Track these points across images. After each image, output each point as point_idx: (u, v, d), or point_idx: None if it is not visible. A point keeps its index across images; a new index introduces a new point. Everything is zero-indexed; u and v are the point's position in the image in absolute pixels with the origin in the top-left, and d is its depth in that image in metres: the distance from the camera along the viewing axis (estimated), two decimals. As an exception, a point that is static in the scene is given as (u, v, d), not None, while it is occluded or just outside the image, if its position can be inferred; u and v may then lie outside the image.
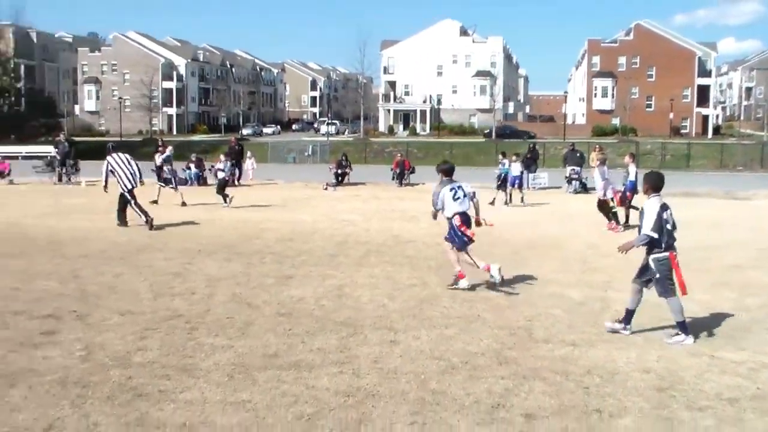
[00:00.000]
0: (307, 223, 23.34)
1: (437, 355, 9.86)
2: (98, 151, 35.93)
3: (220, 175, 29.56)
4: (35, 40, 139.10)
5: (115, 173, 21.82)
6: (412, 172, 43.37)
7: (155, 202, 27.65)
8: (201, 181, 40.75)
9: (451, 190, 13.63)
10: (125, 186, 21.79)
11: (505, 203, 30.14)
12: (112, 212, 22.27)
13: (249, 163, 45.42)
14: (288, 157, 70.41)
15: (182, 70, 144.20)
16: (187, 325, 11.24)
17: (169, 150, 30.47)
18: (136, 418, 7.69)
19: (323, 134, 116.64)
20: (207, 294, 13.29)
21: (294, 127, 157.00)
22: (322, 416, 7.85)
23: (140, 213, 21.61)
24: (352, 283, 14.16)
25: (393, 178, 42.83)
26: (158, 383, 8.74)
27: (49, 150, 50.51)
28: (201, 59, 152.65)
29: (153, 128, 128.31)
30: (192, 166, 41.50)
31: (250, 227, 22.18)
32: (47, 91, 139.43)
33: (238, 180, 40.88)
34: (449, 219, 13.77)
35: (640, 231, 10.50)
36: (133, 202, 21.78)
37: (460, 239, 13.66)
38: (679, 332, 10.37)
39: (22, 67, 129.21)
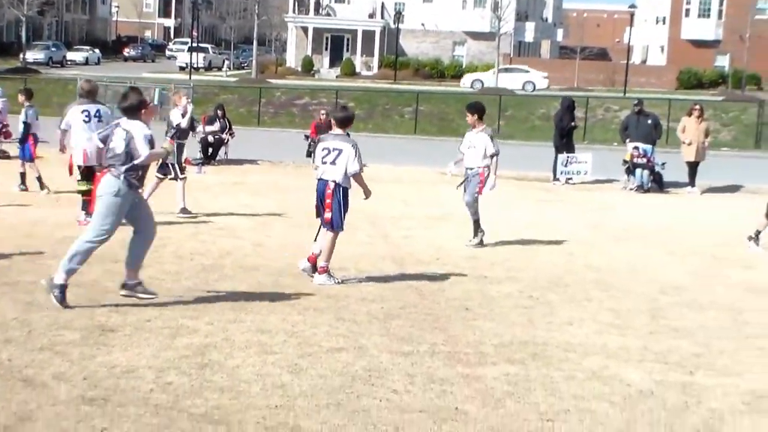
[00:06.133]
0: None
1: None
2: None
3: None
4: None
5: None
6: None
7: None
8: None
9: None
10: None
11: None
12: None
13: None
14: (114, 107, 36.46)
15: None
16: None
17: None
18: None
19: (183, 68, 74.48)
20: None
21: (128, 52, 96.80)
22: None
23: None
24: (226, 344, 8.22)
25: (309, 154, 24.83)
26: None
27: None
28: None
29: None
30: None
31: (38, 234, 13.21)
32: None
33: None
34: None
35: None
36: None
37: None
38: None
39: None
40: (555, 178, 24.20)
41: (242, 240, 13.77)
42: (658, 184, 23.45)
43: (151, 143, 9.23)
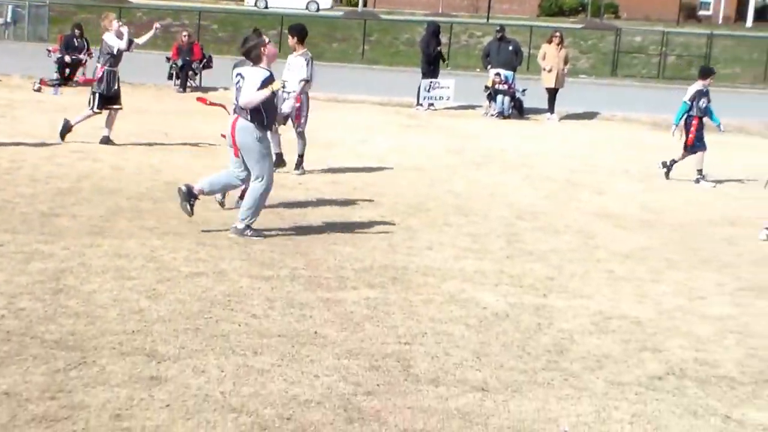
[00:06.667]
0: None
1: (235, 406, 5.56)
2: None
3: None
4: None
5: None
6: (207, 65, 26.06)
7: None
8: None
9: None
10: None
11: None
12: None
13: None
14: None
15: None
16: None
17: None
18: None
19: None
20: None
21: None
22: None
23: None
24: (82, 268, 8.07)
25: (171, 77, 25.71)
26: None
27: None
28: None
29: None
30: None
31: None
32: None
33: None
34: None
35: None
36: None
37: None
38: None
39: None
40: (418, 104, 24.36)
41: (100, 163, 13.48)
42: (519, 110, 23.87)
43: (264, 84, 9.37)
